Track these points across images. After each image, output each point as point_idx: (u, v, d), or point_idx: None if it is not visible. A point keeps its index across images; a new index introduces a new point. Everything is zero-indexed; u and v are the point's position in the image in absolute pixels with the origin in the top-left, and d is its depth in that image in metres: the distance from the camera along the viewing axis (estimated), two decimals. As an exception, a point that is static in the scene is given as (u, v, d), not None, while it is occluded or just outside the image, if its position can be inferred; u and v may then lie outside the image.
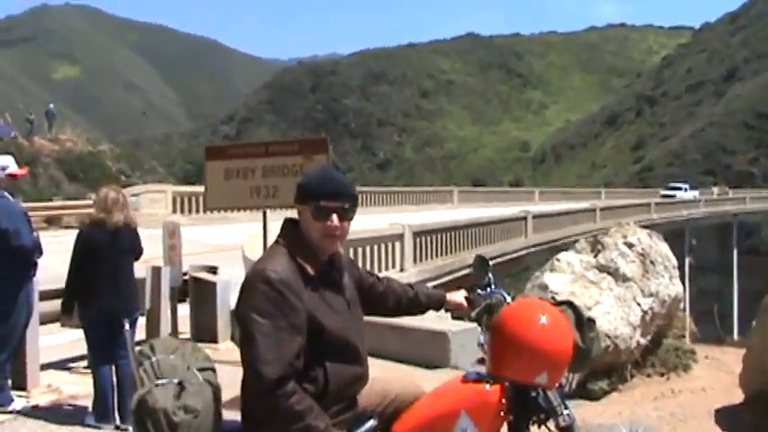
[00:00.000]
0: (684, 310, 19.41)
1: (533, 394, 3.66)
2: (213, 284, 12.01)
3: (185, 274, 12.07)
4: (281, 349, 3.21)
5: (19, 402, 8.09)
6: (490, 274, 4.46)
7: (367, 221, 20.52)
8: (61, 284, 7.98)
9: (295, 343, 3.26)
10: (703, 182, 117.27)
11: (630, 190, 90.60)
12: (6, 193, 7.87)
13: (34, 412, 7.99)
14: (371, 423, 3.60)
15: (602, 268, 13.12)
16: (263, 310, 3.24)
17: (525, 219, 32.80)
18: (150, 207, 31.21)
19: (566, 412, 3.66)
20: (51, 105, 54.62)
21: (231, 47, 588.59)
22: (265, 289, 3.26)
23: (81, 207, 28.76)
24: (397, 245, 20.24)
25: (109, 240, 7.70)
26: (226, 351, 11.05)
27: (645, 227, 15.98)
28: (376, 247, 19.10)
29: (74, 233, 8.07)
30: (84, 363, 9.12)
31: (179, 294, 11.73)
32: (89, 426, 7.63)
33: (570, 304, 4.03)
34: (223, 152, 11.47)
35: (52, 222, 30.32)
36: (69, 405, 8.42)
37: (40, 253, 8.03)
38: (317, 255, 3.50)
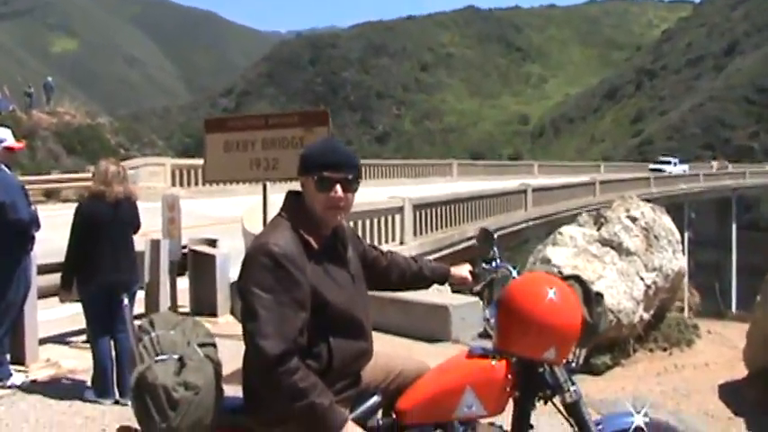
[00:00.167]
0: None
1: (540, 370, 3.60)
2: (213, 258, 11.96)
3: (185, 247, 12.00)
4: (284, 325, 3.14)
5: (18, 377, 8.04)
6: (495, 248, 4.39)
7: (366, 194, 20.42)
8: (60, 258, 7.92)
9: (298, 318, 3.19)
10: (702, 156, 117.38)
11: (629, 164, 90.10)
12: (3, 167, 7.79)
13: (33, 387, 7.94)
14: (375, 399, 3.57)
15: (605, 242, 13.05)
16: (265, 284, 3.17)
17: (525, 192, 32.71)
18: (149, 180, 31.11)
19: (572, 388, 3.64)
20: (50, 78, 54.37)
21: (230, 19, 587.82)
22: (268, 263, 3.19)
23: (80, 180, 28.62)
24: (397, 218, 20.18)
25: (109, 214, 7.62)
26: (225, 325, 11.01)
27: (645, 201, 15.90)
28: (376, 220, 19.03)
29: (73, 206, 7.98)
30: (84, 337, 9.06)
31: (178, 268, 11.68)
32: (88, 400, 7.59)
33: (578, 278, 3.97)
34: (223, 125, 11.41)
35: (51, 196, 30.23)
36: (68, 380, 8.38)
37: (38, 226, 7.95)
38: (320, 227, 3.43)
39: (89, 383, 7.81)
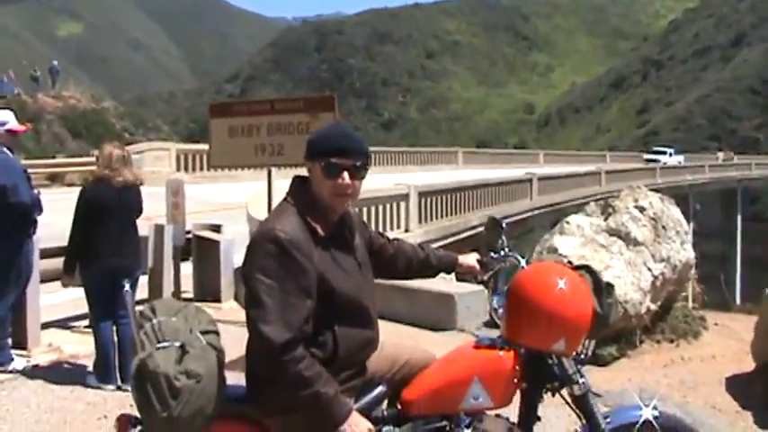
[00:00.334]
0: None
1: (549, 362, 3.56)
2: (217, 243, 11.91)
3: (188, 232, 11.94)
4: (289, 313, 3.09)
5: (19, 362, 8.00)
6: (503, 237, 4.32)
7: (371, 181, 20.38)
8: (63, 242, 7.86)
9: (304, 306, 3.14)
10: (708, 147, 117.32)
11: (632, 154, 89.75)
12: (5, 149, 7.74)
13: (35, 372, 7.89)
14: (381, 389, 3.52)
15: (612, 232, 12.97)
16: (270, 271, 3.11)
17: (530, 181, 32.71)
18: (154, 165, 31.06)
19: (581, 381, 3.61)
20: (55, 62, 54.38)
21: (236, 4, 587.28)
22: (273, 249, 3.13)
23: (84, 164, 28.59)
24: (402, 205, 20.15)
25: (113, 198, 7.56)
26: (229, 311, 10.97)
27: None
28: (381, 207, 19.00)
29: (77, 190, 7.92)
30: (86, 322, 9.02)
31: (182, 253, 11.60)
32: (90, 386, 7.54)
33: (588, 268, 3.92)
34: (228, 109, 11.34)
35: (55, 179, 30.24)
36: (70, 365, 8.33)
37: (40, 210, 7.90)
38: (327, 214, 3.37)
39: (91, 369, 7.77)
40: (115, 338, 7.61)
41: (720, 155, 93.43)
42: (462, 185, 25.65)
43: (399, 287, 10.98)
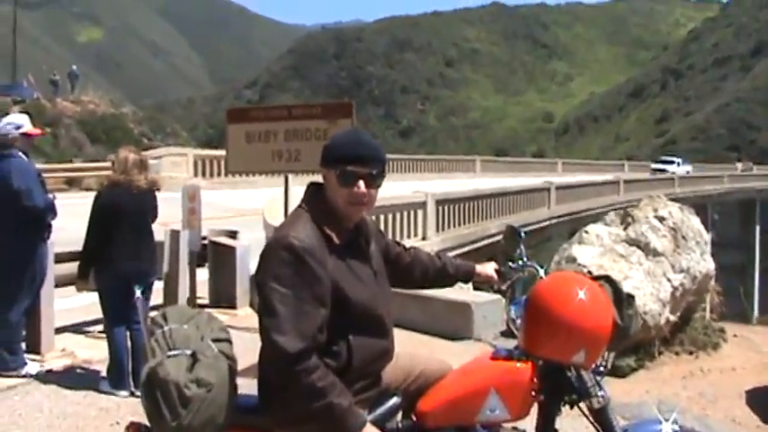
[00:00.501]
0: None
1: (567, 374, 3.48)
2: (233, 249, 11.88)
3: (204, 238, 11.93)
4: (302, 322, 3.03)
5: (33, 366, 7.98)
6: (522, 246, 4.27)
7: (389, 189, 20.37)
8: (79, 247, 7.85)
9: (318, 315, 3.07)
10: (727, 157, 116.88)
11: (648, 164, 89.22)
12: (21, 153, 7.73)
13: (48, 377, 7.87)
14: (395, 400, 3.44)
15: (631, 242, 12.88)
16: (284, 279, 3.05)
17: (548, 190, 32.66)
18: (171, 170, 31.16)
19: (600, 393, 3.52)
20: (74, 67, 54.74)
21: (255, 11, 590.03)
22: (287, 256, 3.07)
23: (102, 169, 28.69)
24: (420, 213, 20.11)
25: (129, 203, 7.54)
26: (245, 317, 10.93)
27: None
28: (398, 215, 18.95)
29: (94, 195, 7.91)
30: (100, 327, 9.01)
31: (198, 259, 11.59)
32: (103, 391, 7.52)
33: (608, 279, 3.85)
34: (245, 115, 11.35)
35: (73, 184, 30.38)
36: (83, 370, 8.31)
37: (54, 214, 7.89)
38: (341, 222, 3.31)
39: (104, 374, 7.74)
40: (129, 344, 7.58)
41: (739, 165, 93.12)
42: (480, 194, 25.63)
43: (415, 295, 10.90)
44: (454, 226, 22.63)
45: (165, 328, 3.22)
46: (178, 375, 3.01)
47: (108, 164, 24.91)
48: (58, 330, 9.12)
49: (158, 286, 9.24)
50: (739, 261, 72.80)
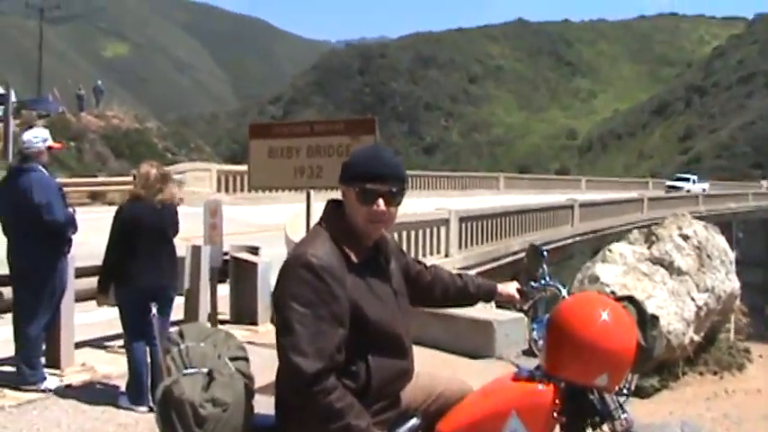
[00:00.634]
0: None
1: (590, 396, 3.42)
2: (254, 265, 11.86)
3: (226, 253, 11.91)
4: (321, 341, 2.98)
5: (52, 381, 7.98)
6: (544, 266, 4.23)
7: (412, 205, 20.38)
8: (99, 261, 7.85)
9: (336, 334, 3.03)
10: (752, 175, 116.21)
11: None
12: (41, 167, 7.75)
13: (67, 392, 7.87)
14: (414, 422, 3.41)
15: (655, 260, 12.79)
16: (302, 298, 3.01)
17: (572, 207, 32.57)
18: (195, 185, 31.31)
19: (623, 416, 3.48)
20: (99, 82, 55.19)
21: (280, 27, 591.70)
22: (306, 275, 3.03)
23: (125, 183, 28.82)
24: (443, 230, 20.09)
25: (150, 217, 7.54)
26: (265, 333, 10.88)
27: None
28: (421, 232, 18.93)
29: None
30: (121, 342, 8.98)
31: (219, 275, 11.58)
32: (122, 407, 7.51)
33: (632, 299, 3.80)
34: (268, 131, 11.37)
35: (96, 198, 30.53)
36: (103, 385, 8.30)
37: (75, 229, 7.90)
38: (361, 240, 3.27)
39: (124, 390, 7.73)
40: (149, 360, 7.56)
41: (764, 183, 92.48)
42: (503, 211, 25.58)
43: (437, 313, 10.84)
44: (477, 243, 22.60)
45: (182, 346, 3.19)
46: (193, 394, 2.98)
47: (131, 178, 25.07)
48: (78, 345, 9.11)
49: (179, 302, 9.23)
50: (763, 280, 72.28)
